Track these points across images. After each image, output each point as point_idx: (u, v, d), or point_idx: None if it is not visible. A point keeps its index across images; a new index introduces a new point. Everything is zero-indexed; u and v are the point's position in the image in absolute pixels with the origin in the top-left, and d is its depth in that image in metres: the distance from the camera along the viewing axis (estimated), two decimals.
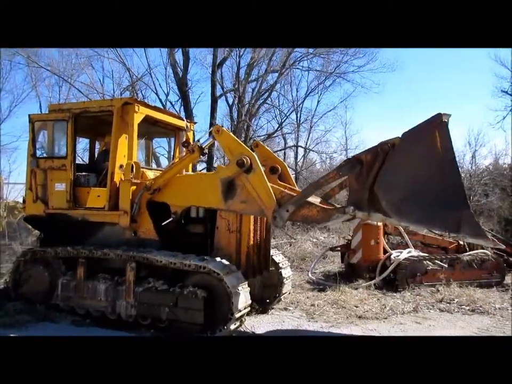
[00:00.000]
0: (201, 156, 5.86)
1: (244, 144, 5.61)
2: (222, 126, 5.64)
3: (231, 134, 5.72)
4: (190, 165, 7.04)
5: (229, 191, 5.38)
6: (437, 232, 8.70)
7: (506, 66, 20.05)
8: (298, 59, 18.52)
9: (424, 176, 4.24)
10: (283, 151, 21.60)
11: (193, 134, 7.50)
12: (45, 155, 6.66)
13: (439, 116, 4.18)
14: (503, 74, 24.10)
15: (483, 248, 9.20)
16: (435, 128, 4.20)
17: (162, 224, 5.77)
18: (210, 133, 5.70)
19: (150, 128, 6.94)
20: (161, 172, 6.18)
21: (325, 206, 5.11)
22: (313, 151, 22.83)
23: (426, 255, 8.82)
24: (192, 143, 6.03)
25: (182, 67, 17.38)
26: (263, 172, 5.26)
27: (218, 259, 5.45)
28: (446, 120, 4.18)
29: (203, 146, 5.63)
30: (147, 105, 6.40)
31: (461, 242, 9.94)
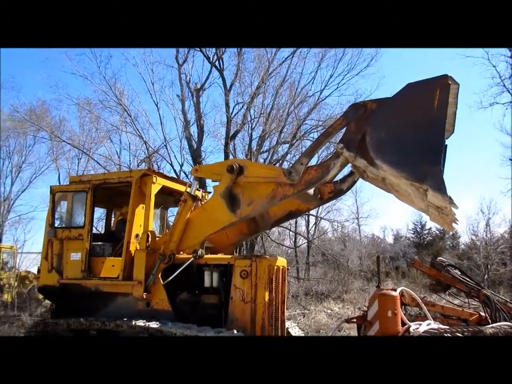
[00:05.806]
0: (194, 202, 5.98)
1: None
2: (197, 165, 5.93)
3: (207, 163, 5.99)
4: None
5: (233, 203, 5.57)
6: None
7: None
8: (308, 131, 19.18)
9: (412, 126, 4.31)
10: (294, 220, 21.64)
11: None
12: (63, 225, 6.81)
13: (445, 76, 4.25)
14: (508, 143, 24.65)
15: (506, 320, 8.82)
16: (437, 86, 4.27)
17: (183, 267, 5.73)
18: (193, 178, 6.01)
19: (166, 198, 7.09)
20: (167, 235, 6.12)
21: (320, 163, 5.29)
22: (324, 219, 22.91)
23: (447, 327, 8.44)
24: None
25: (197, 139, 18.08)
26: (255, 162, 5.40)
27: (233, 331, 5.30)
28: (450, 83, 4.25)
29: (191, 193, 5.89)
30: (164, 176, 6.61)
31: (482, 314, 9.56)
